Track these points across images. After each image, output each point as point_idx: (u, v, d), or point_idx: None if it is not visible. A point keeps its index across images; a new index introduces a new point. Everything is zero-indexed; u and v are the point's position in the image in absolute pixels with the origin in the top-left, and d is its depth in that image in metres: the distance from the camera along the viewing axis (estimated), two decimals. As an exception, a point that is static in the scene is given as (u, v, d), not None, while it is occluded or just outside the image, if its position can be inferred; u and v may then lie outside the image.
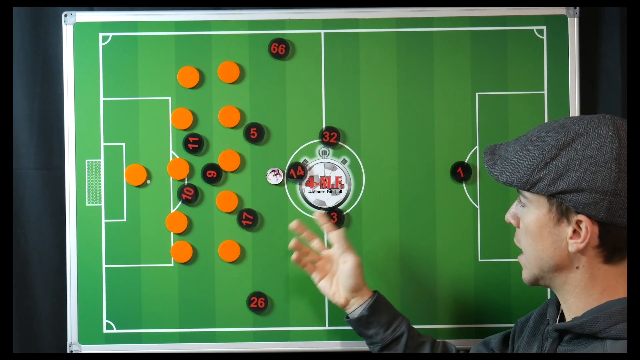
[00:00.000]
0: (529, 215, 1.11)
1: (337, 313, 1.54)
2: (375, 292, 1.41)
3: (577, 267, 1.10)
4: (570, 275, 1.11)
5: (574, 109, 1.53)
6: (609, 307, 1.07)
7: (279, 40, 1.54)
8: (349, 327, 1.52)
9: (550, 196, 1.08)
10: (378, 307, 1.39)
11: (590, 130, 1.06)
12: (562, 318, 1.16)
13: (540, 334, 1.20)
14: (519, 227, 1.15)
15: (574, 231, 1.07)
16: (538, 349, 1.18)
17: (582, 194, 1.04)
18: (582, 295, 1.10)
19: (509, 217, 1.17)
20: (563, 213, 1.08)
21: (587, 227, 1.05)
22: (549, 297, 1.52)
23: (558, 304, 1.18)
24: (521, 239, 1.14)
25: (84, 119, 1.54)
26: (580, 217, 1.05)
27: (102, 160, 1.54)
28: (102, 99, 1.54)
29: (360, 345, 1.53)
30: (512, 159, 1.11)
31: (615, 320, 1.05)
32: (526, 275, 1.15)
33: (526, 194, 1.11)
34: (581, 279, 1.10)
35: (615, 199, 1.03)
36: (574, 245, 1.07)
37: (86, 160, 1.54)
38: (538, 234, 1.10)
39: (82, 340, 1.54)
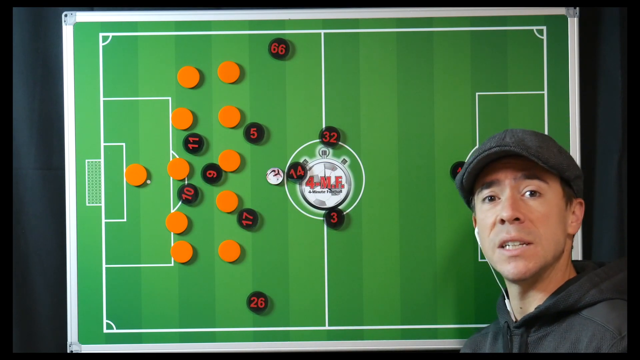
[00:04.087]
0: (550, 202, 1.15)
1: (337, 313, 1.54)
2: None
3: (563, 251, 1.17)
4: (560, 261, 1.17)
5: (574, 109, 1.53)
6: (573, 282, 1.15)
7: (279, 40, 1.54)
8: (349, 327, 1.53)
9: (564, 182, 1.17)
10: None
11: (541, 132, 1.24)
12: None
13: (503, 337, 1.21)
14: (524, 220, 1.14)
15: (573, 213, 1.19)
16: (505, 351, 1.20)
17: (581, 179, 1.21)
18: (559, 281, 1.17)
19: (518, 213, 1.15)
20: (569, 198, 1.18)
21: (582, 205, 1.19)
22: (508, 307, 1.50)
23: (504, 309, 1.24)
24: (539, 227, 1.14)
25: (84, 119, 1.54)
26: (580, 199, 1.19)
27: (102, 160, 1.54)
28: (102, 99, 1.54)
29: (360, 345, 1.54)
30: (542, 147, 1.17)
31: (586, 288, 1.12)
32: (534, 266, 1.15)
33: (548, 179, 1.16)
34: (562, 263, 1.17)
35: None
36: (576, 226, 1.18)
37: (86, 160, 1.54)
38: (558, 219, 1.16)
39: (82, 340, 1.54)
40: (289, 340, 1.54)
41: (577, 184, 1.19)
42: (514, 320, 1.21)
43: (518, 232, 1.15)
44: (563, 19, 1.54)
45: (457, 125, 1.54)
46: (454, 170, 1.54)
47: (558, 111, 1.53)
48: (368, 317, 1.53)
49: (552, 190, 1.15)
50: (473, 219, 1.32)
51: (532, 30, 1.54)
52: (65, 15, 1.54)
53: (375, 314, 1.53)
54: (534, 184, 1.15)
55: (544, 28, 1.54)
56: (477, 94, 1.54)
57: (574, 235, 1.22)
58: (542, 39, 1.54)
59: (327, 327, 1.54)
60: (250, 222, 1.53)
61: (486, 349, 1.27)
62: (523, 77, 1.54)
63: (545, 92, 1.54)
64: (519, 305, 1.21)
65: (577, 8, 1.53)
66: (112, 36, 1.55)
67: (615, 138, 1.56)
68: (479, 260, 1.54)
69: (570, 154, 1.36)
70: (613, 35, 1.57)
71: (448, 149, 1.54)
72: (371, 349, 1.54)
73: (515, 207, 1.14)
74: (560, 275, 1.17)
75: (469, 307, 1.54)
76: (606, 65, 1.58)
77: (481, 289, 1.54)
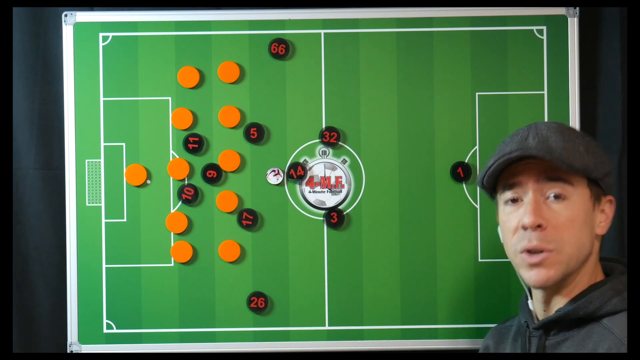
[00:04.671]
0: (576, 205, 1.09)
1: (337, 313, 1.54)
2: None
3: (590, 254, 1.12)
4: (586, 264, 1.12)
5: (574, 109, 1.53)
6: (597, 287, 1.10)
7: (279, 40, 1.54)
8: (349, 327, 1.52)
9: (592, 181, 1.11)
10: None
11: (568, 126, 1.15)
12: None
13: (522, 337, 1.19)
14: (547, 226, 1.09)
15: (602, 211, 1.13)
16: (522, 351, 1.18)
17: (611, 175, 1.14)
18: (585, 285, 1.12)
19: (540, 219, 1.09)
20: (597, 198, 1.12)
21: (614, 206, 1.14)
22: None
23: (527, 307, 1.19)
24: (563, 233, 1.09)
25: (84, 119, 1.54)
26: (610, 197, 1.13)
27: (102, 160, 1.54)
28: (102, 99, 1.54)
29: (360, 345, 1.54)
30: (568, 148, 1.10)
31: (609, 296, 1.08)
32: (555, 274, 1.09)
33: (574, 180, 1.10)
34: (590, 266, 1.12)
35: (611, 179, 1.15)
36: (605, 227, 1.13)
37: (86, 160, 1.54)
38: (584, 222, 1.10)
39: (82, 340, 1.54)
40: (289, 340, 1.54)
41: (605, 182, 1.11)
42: (535, 320, 1.18)
43: (540, 241, 1.09)
44: (563, 19, 1.54)
45: (457, 125, 1.54)
46: (454, 170, 1.54)
47: (558, 111, 1.53)
48: (368, 317, 1.53)
49: (578, 192, 1.09)
50: (497, 214, 1.24)
51: (532, 30, 1.54)
52: (65, 15, 1.54)
53: (375, 314, 1.53)
54: (558, 187, 1.09)
55: (544, 28, 1.54)
56: (477, 94, 1.54)
57: (602, 236, 1.14)
58: (542, 39, 1.54)
59: (327, 327, 1.54)
60: (250, 222, 1.53)
61: (508, 342, 1.24)
62: (523, 77, 1.54)
63: (545, 92, 1.54)
64: (543, 308, 1.16)
65: (577, 8, 1.53)
66: (112, 36, 1.55)
67: (615, 138, 1.56)
68: (479, 260, 1.54)
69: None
70: (613, 35, 1.57)
71: (448, 149, 1.54)
72: (371, 349, 1.54)
73: (537, 213, 1.09)
74: (586, 278, 1.12)
75: (469, 307, 1.54)
76: (606, 65, 1.58)
77: (481, 289, 1.54)
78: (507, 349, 1.23)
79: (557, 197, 1.10)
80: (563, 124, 1.15)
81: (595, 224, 1.11)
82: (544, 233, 1.09)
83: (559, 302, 1.13)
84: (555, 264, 1.09)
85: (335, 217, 1.54)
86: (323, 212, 1.54)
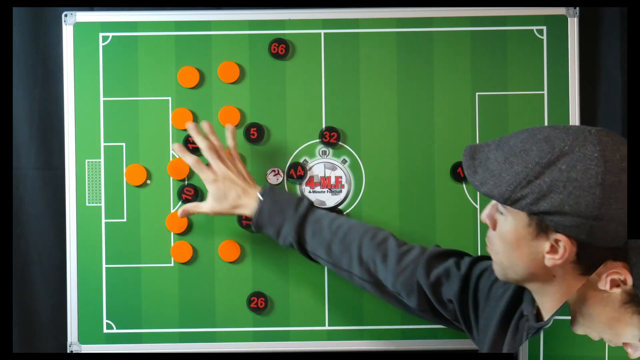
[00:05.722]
0: (507, 224, 1.09)
1: (337, 313, 1.54)
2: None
3: (553, 276, 1.09)
4: (547, 283, 1.10)
5: (574, 109, 1.53)
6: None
7: (279, 40, 1.54)
8: (349, 327, 1.52)
9: (531, 214, 1.06)
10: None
11: (575, 149, 1.02)
12: (539, 312, 1.16)
13: (515, 325, 1.19)
14: (494, 229, 1.13)
15: (552, 246, 1.06)
16: (510, 340, 1.18)
17: (565, 216, 1.02)
18: (561, 301, 1.10)
19: (484, 217, 1.14)
20: (542, 229, 1.06)
21: (566, 246, 1.04)
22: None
23: (533, 300, 1.17)
24: (495, 242, 1.13)
25: (84, 119, 1.54)
26: (559, 236, 1.04)
27: (102, 160, 1.54)
28: (102, 99, 1.54)
29: (360, 345, 1.54)
30: (493, 169, 1.08)
31: None
32: (498, 271, 1.14)
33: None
34: (559, 288, 1.10)
35: (597, 224, 1.01)
36: (550, 260, 1.06)
37: (86, 160, 1.54)
38: (515, 244, 1.09)
39: (82, 340, 1.54)
40: (289, 340, 1.54)
41: (547, 219, 1.04)
42: (533, 312, 1.18)
43: (487, 237, 1.16)
44: (563, 19, 1.54)
45: (457, 125, 1.54)
46: (454, 170, 1.54)
47: (558, 111, 1.54)
48: (368, 317, 1.53)
49: (511, 214, 1.08)
50: None
51: (532, 30, 1.54)
52: (65, 15, 1.54)
53: (375, 314, 1.53)
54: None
55: (544, 28, 1.54)
56: (477, 94, 1.54)
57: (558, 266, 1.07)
58: (542, 39, 1.54)
59: (327, 327, 1.54)
60: (250, 222, 1.53)
61: None
62: (523, 77, 1.54)
63: (545, 92, 1.54)
64: None
65: (577, 8, 1.53)
66: (112, 36, 1.55)
67: (615, 138, 1.56)
68: (479, 260, 1.54)
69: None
70: (613, 35, 1.57)
71: (448, 149, 1.54)
72: (371, 349, 1.54)
73: (485, 213, 1.14)
74: (557, 297, 1.11)
75: (469, 307, 1.54)
76: (606, 65, 1.58)
77: (481, 289, 1.54)
78: (501, 310, 1.23)
79: (499, 210, 1.12)
80: (529, 135, 1.08)
81: (538, 252, 1.08)
82: (489, 233, 1.15)
83: (540, 304, 1.15)
84: (495, 264, 1.15)
85: (335, 217, 1.54)
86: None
